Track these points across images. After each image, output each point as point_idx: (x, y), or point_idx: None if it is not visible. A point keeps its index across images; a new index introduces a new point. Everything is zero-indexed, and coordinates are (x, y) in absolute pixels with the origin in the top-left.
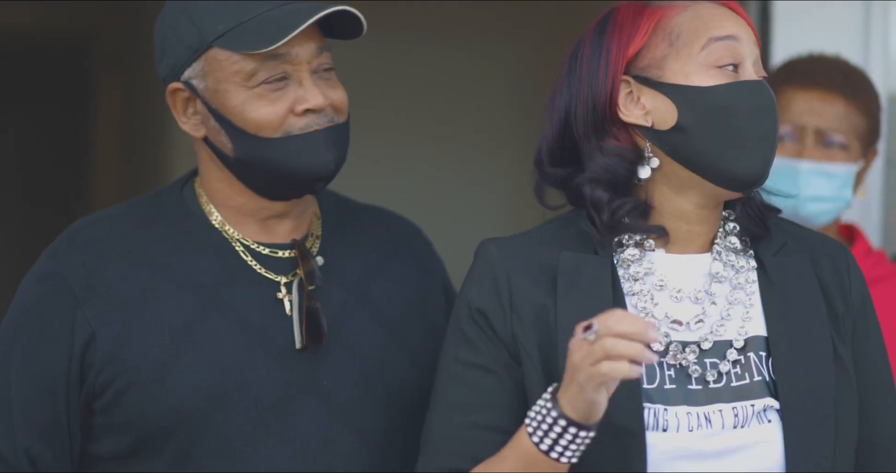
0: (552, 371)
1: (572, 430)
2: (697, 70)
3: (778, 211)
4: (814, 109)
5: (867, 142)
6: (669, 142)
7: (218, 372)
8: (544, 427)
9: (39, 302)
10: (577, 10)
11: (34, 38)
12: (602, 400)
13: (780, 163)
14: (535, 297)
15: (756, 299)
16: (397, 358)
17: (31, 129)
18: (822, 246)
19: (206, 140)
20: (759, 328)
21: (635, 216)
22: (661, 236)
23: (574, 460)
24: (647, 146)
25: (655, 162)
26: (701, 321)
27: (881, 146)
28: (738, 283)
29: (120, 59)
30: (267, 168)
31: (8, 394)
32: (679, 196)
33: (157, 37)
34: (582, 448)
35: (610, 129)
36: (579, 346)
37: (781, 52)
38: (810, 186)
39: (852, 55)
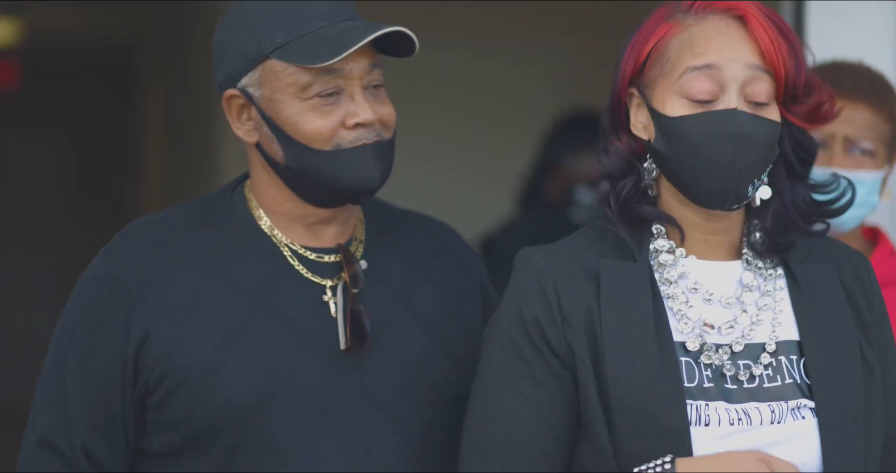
0: (598, 372)
1: None
2: (672, 98)
3: (824, 232)
4: (842, 117)
5: (891, 148)
6: (656, 158)
7: (265, 373)
8: None
9: (95, 302)
10: (592, 12)
11: (83, 39)
12: None
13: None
14: (582, 302)
15: (786, 305)
16: (438, 359)
17: (82, 128)
18: (845, 255)
19: (258, 146)
20: (790, 332)
21: (641, 199)
22: (674, 227)
23: None
24: (648, 156)
25: (654, 172)
26: (732, 326)
27: None
28: (768, 291)
29: (167, 60)
30: (316, 178)
31: (65, 391)
32: (682, 206)
33: (216, 43)
34: None
35: (618, 133)
36: (758, 465)
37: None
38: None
39: (884, 59)
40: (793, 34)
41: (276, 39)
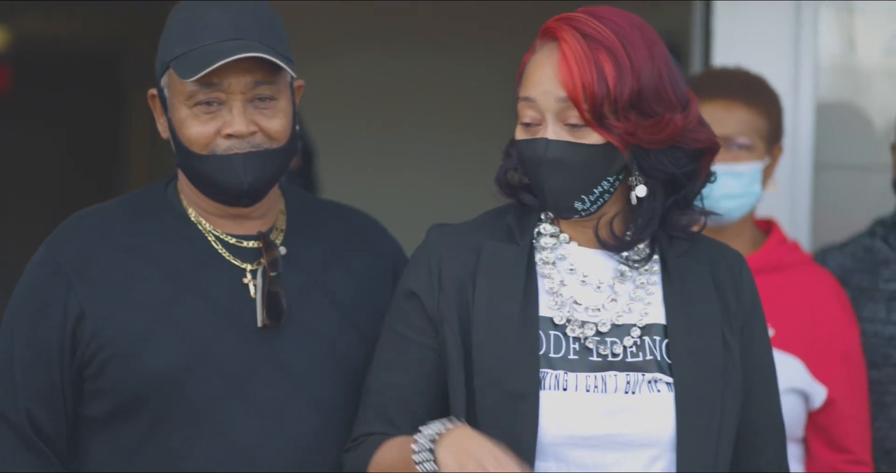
0: (465, 338)
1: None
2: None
3: (691, 233)
4: (717, 118)
5: (771, 141)
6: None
7: (188, 347)
8: (422, 458)
9: (38, 284)
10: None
11: (71, 43)
12: None
13: None
14: (459, 274)
15: (657, 295)
16: (349, 336)
17: (71, 130)
18: (721, 252)
19: (169, 142)
20: (657, 317)
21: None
22: (545, 203)
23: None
24: None
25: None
26: (599, 309)
27: (809, 150)
28: (641, 283)
29: (153, 62)
30: (194, 178)
31: (11, 363)
32: None
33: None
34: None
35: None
36: (498, 462)
37: (721, 53)
38: (721, 186)
39: (784, 64)
40: (619, 48)
41: (175, 51)
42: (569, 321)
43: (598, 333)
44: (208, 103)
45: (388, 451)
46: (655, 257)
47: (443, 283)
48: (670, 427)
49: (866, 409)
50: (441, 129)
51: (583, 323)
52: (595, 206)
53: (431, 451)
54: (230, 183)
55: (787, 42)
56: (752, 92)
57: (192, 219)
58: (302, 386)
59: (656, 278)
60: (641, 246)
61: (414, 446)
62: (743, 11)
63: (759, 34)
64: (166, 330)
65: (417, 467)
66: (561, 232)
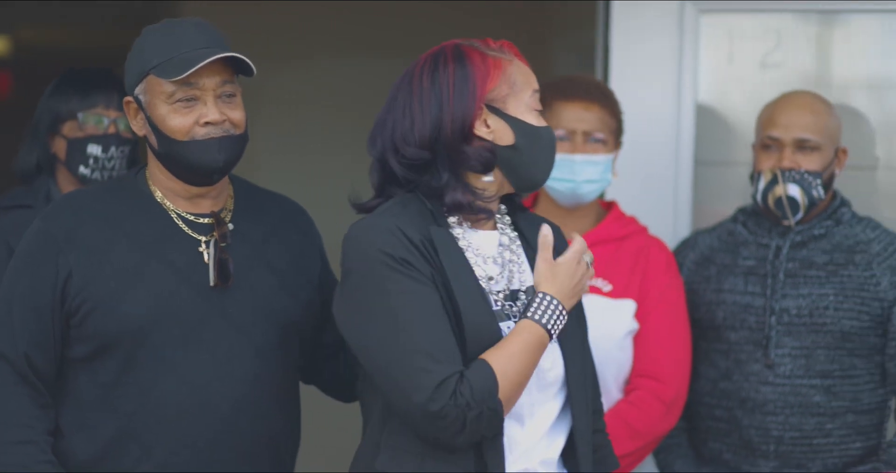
0: (451, 297)
1: (565, 313)
2: (526, 110)
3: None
4: (580, 117)
5: (616, 137)
6: (502, 154)
7: (154, 301)
8: (553, 316)
9: (34, 249)
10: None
11: (69, 53)
12: None
13: (560, 157)
14: (421, 247)
15: (523, 257)
16: (284, 297)
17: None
18: (541, 222)
19: (146, 138)
20: (528, 278)
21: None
22: (490, 216)
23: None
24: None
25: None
26: (492, 278)
27: (689, 148)
28: (513, 250)
29: None
30: (177, 161)
31: (11, 314)
32: (500, 189)
33: (126, 63)
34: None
35: (469, 138)
36: (585, 272)
37: (617, 62)
38: (584, 173)
39: (669, 73)
40: None
41: (153, 61)
42: (488, 292)
43: (505, 296)
44: (187, 100)
45: (504, 357)
46: (514, 228)
47: (419, 250)
48: (561, 370)
49: (680, 342)
50: None
51: (498, 292)
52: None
53: (556, 308)
54: (208, 161)
55: (672, 55)
56: (604, 95)
57: (158, 200)
58: (245, 336)
59: (518, 242)
60: (507, 218)
61: (541, 321)
62: (636, 25)
63: (648, 47)
64: (137, 288)
65: (555, 327)
66: (462, 219)
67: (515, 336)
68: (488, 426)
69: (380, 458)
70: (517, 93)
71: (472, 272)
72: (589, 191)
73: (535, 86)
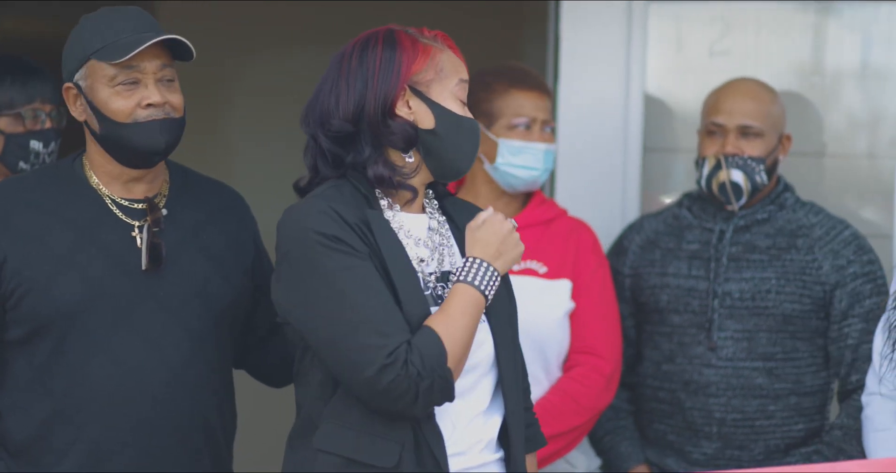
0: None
1: (495, 273)
2: (450, 98)
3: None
4: (538, 105)
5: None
6: (421, 137)
7: (87, 284)
8: (484, 278)
9: None
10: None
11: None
12: None
13: (525, 145)
14: (358, 228)
15: (452, 240)
16: (217, 280)
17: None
18: (470, 210)
19: (85, 123)
20: (458, 260)
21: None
22: (414, 194)
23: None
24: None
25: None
26: (424, 260)
27: (638, 135)
28: (443, 233)
29: None
30: (120, 142)
31: None
32: (422, 176)
33: (65, 50)
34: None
35: (391, 116)
36: (511, 232)
37: (567, 52)
38: (546, 161)
39: (617, 62)
40: None
41: (95, 45)
42: (421, 273)
43: (437, 278)
44: (130, 83)
45: (446, 320)
46: (442, 213)
47: (354, 230)
48: (491, 351)
49: (613, 319)
50: None
51: (430, 275)
52: None
53: (486, 269)
54: (150, 143)
55: (620, 43)
56: (547, 87)
57: (94, 186)
58: (177, 319)
59: (447, 226)
60: (436, 203)
61: (473, 282)
62: (584, 13)
63: (597, 35)
64: (70, 271)
65: (489, 289)
66: (394, 202)
67: (452, 299)
68: (441, 394)
69: (318, 433)
70: (442, 79)
71: (406, 254)
72: (544, 180)
73: (464, 76)
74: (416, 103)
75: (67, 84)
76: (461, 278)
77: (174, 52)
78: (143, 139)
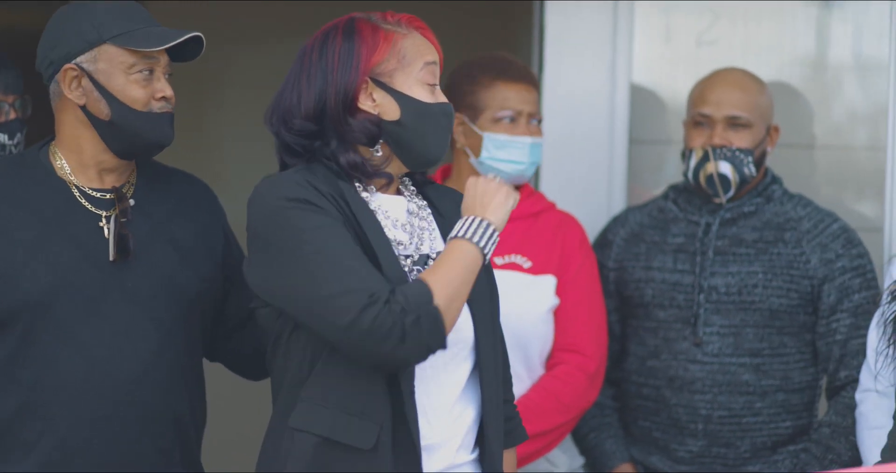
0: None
1: (496, 234)
2: (416, 84)
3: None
4: (525, 98)
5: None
6: (388, 129)
7: (54, 275)
8: (483, 235)
9: None
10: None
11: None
12: None
13: (511, 139)
14: (333, 198)
15: (434, 225)
16: (185, 271)
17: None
18: (458, 198)
19: (84, 108)
20: (440, 245)
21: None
22: (389, 180)
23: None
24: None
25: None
26: (402, 242)
27: (624, 126)
28: (423, 216)
29: None
30: (129, 131)
31: None
32: (394, 167)
33: (53, 31)
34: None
35: (354, 111)
36: (497, 186)
37: (552, 46)
38: (533, 155)
39: (602, 54)
40: None
41: (113, 31)
42: (398, 256)
43: (414, 261)
44: (148, 72)
45: (434, 270)
46: (422, 197)
47: (328, 199)
48: (471, 337)
49: (598, 317)
50: None
51: (406, 258)
52: None
53: (478, 223)
54: (159, 135)
55: (606, 33)
56: (535, 78)
57: (60, 175)
58: (145, 310)
59: (428, 210)
60: (413, 187)
61: (470, 238)
62: (569, 5)
63: (583, 25)
64: (37, 262)
65: (484, 242)
66: (369, 184)
67: (445, 255)
68: (430, 333)
69: (294, 413)
70: (405, 67)
71: (382, 229)
72: (531, 173)
73: (430, 58)
74: (380, 95)
75: (68, 65)
76: (457, 235)
77: (169, 51)
78: (155, 130)
